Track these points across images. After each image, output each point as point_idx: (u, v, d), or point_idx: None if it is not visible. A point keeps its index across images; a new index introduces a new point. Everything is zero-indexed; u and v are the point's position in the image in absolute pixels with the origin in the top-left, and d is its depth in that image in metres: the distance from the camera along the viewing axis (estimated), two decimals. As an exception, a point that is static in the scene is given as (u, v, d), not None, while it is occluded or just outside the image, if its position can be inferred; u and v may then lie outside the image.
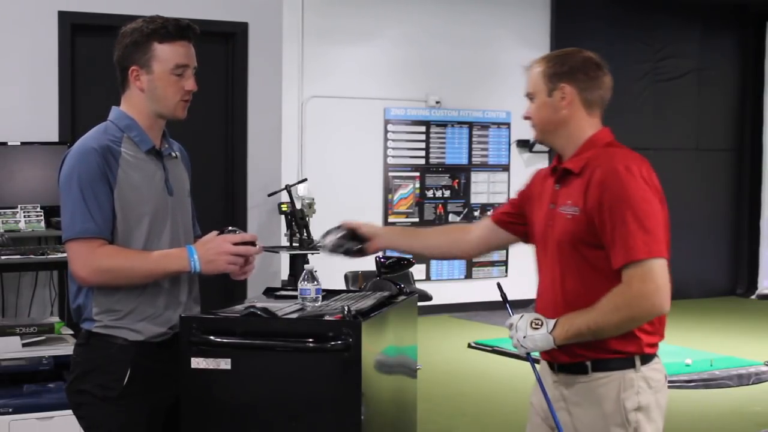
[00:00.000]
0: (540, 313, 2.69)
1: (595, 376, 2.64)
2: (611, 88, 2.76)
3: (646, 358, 2.65)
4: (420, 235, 3.18)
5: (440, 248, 3.13)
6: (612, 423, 2.62)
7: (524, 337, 2.60)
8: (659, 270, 2.54)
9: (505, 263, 10.31)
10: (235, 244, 2.70)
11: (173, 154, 2.89)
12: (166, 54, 2.72)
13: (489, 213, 3.17)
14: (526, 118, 2.79)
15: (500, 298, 2.87)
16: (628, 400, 2.61)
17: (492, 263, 10.28)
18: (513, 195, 3.05)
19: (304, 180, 7.94)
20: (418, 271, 9.69)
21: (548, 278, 2.72)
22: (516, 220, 2.94)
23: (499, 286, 2.89)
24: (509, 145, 10.48)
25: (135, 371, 2.69)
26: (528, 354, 2.66)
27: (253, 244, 2.74)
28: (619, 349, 2.61)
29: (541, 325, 2.60)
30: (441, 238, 3.14)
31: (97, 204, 2.66)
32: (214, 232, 2.75)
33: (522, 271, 10.37)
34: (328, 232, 2.99)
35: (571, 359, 2.66)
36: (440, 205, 10.15)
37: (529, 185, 2.93)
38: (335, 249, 2.98)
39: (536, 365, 2.73)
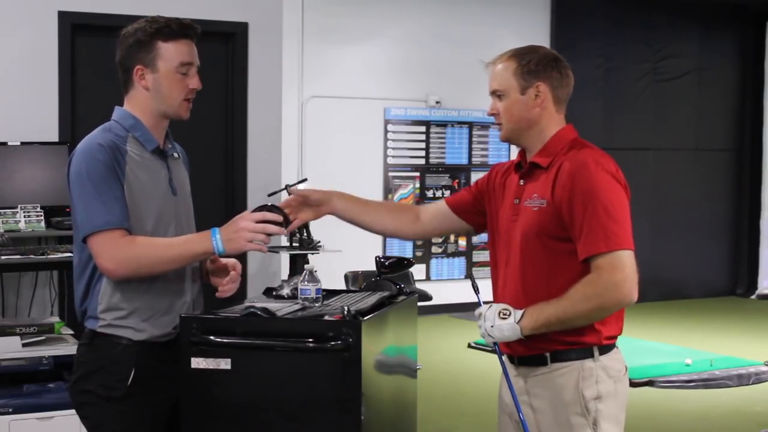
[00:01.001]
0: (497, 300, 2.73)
1: (554, 366, 2.66)
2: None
3: (605, 349, 2.67)
4: (371, 207, 3.08)
5: (391, 225, 3.06)
6: (572, 412, 2.64)
7: (492, 326, 2.62)
8: (627, 260, 2.55)
9: (505, 263, 10.30)
10: (259, 222, 2.67)
11: (175, 155, 2.89)
12: (171, 52, 2.73)
13: (443, 198, 3.10)
14: (492, 115, 2.78)
15: (486, 295, 2.87)
16: (587, 389, 2.64)
17: (492, 263, 10.27)
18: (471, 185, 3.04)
19: (304, 180, 7.94)
20: (418, 271, 9.68)
21: (510, 272, 2.73)
22: (474, 210, 2.96)
23: (471, 276, 2.91)
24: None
25: (139, 371, 2.69)
26: (495, 344, 2.68)
27: (280, 224, 2.69)
28: (578, 341, 2.63)
29: (509, 315, 2.61)
30: (392, 215, 3.09)
31: (113, 196, 2.65)
32: (248, 211, 2.74)
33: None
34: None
35: (530, 352, 2.68)
36: (440, 205, 10.14)
37: (488, 178, 2.93)
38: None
39: (503, 357, 2.74)
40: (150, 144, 2.77)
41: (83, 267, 2.73)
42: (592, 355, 2.65)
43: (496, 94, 2.76)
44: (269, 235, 2.67)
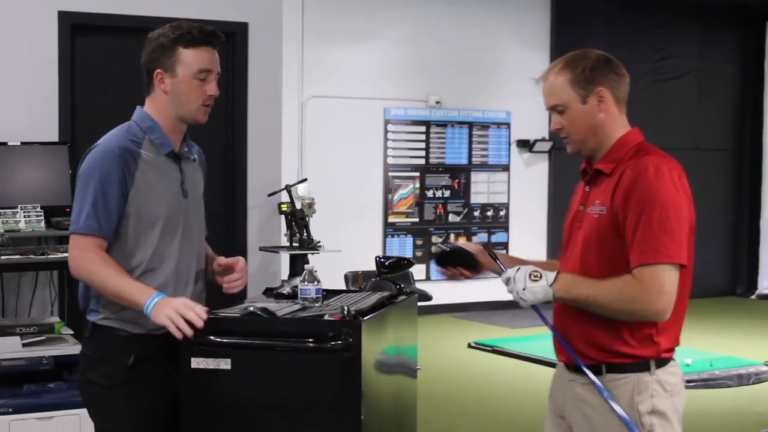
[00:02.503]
0: (558, 312, 2.70)
1: (609, 377, 2.61)
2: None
3: (662, 362, 2.62)
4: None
5: None
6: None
7: (523, 289, 2.57)
8: (670, 276, 2.50)
9: (505, 263, 10.29)
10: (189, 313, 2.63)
11: (191, 157, 2.97)
12: (190, 58, 2.79)
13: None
14: (557, 130, 2.70)
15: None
16: (642, 404, 2.58)
17: (492, 263, 10.26)
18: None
19: (304, 180, 7.94)
20: (418, 271, 9.68)
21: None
22: None
23: (486, 245, 2.85)
24: (509, 145, 10.48)
25: (137, 362, 2.76)
26: (534, 306, 2.63)
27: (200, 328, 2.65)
28: (635, 354, 2.59)
29: (540, 277, 2.57)
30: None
31: (105, 205, 2.72)
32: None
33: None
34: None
35: (585, 362, 2.63)
36: (440, 205, 10.15)
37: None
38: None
39: (543, 314, 2.69)
40: (164, 148, 2.84)
41: None
42: (648, 369, 2.59)
43: (556, 109, 2.67)
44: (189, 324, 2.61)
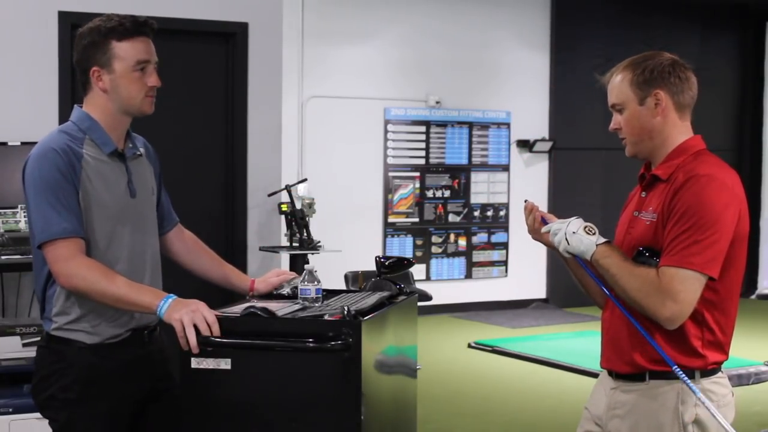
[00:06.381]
0: (606, 314, 2.69)
1: (653, 384, 2.58)
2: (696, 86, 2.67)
3: (707, 372, 2.59)
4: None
5: None
6: None
7: (574, 233, 2.57)
8: (690, 285, 2.47)
9: (505, 263, 10.31)
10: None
11: (138, 153, 2.87)
12: (126, 51, 2.70)
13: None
14: (615, 130, 2.69)
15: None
16: (686, 413, 2.55)
17: (492, 263, 10.28)
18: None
19: (304, 180, 7.94)
20: (418, 271, 9.68)
21: None
22: None
23: (526, 201, 2.80)
24: (509, 145, 10.48)
25: (93, 374, 2.70)
26: (577, 256, 2.62)
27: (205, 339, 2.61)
28: (681, 364, 2.54)
29: (594, 234, 2.57)
30: None
31: (67, 204, 2.64)
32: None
33: (521, 272, 10.37)
34: None
35: (630, 369, 2.62)
36: (440, 205, 10.15)
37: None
38: None
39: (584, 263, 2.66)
40: (107, 147, 2.75)
41: (39, 271, 2.74)
42: (692, 377, 2.55)
43: (615, 108, 2.68)
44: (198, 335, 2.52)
